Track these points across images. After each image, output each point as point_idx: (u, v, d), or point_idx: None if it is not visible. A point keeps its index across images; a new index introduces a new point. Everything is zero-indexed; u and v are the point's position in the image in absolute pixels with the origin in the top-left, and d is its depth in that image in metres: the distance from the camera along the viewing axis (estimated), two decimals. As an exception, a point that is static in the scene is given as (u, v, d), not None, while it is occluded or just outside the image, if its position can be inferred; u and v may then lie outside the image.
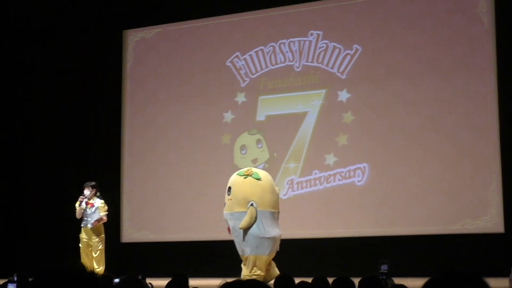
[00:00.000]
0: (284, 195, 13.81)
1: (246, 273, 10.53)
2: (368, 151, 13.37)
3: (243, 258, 10.64)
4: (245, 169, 10.95)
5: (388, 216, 13.07)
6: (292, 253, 13.40)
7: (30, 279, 8.95)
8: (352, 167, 13.45)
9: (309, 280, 6.71)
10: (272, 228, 10.58)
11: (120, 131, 15.53)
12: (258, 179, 10.70)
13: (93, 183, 12.61)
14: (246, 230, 10.40)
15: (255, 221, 10.45)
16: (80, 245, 12.54)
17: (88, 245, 12.50)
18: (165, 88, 15.25)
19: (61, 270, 2.29)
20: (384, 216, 13.09)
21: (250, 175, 10.70)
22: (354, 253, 13.12)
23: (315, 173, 13.71)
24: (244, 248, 10.51)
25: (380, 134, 13.31)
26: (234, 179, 10.81)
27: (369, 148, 13.37)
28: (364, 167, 13.38)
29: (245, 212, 10.45)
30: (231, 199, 10.67)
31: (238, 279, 2.47)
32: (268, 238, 10.49)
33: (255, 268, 10.53)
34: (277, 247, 10.72)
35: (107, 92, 15.76)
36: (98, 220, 12.43)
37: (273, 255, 10.66)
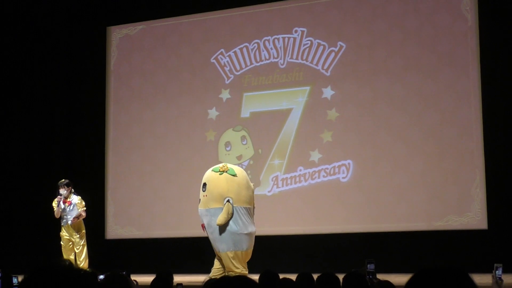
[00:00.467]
0: (269, 191, 13.85)
1: (228, 269, 10.51)
2: (352, 148, 13.41)
3: (221, 255, 10.60)
4: (220, 165, 10.88)
5: (373, 212, 13.11)
6: (277, 250, 13.45)
7: (17, 276, 8.94)
8: (336, 164, 13.49)
9: (294, 276, 6.73)
10: (249, 223, 10.59)
11: (104, 128, 15.48)
12: (234, 175, 10.67)
13: (67, 181, 12.59)
14: (222, 226, 10.38)
15: (231, 217, 10.43)
16: (61, 242, 12.53)
17: (69, 241, 12.50)
18: (149, 85, 15.23)
19: (52, 267, 2.29)
20: (369, 212, 13.13)
21: (226, 171, 10.67)
22: (339, 249, 13.16)
23: (300, 170, 13.73)
24: (220, 245, 10.47)
25: (364, 131, 13.35)
26: (209, 175, 10.76)
27: (353, 145, 13.41)
28: (348, 163, 13.42)
29: (221, 209, 10.42)
30: (206, 196, 10.63)
31: (225, 275, 2.48)
32: (246, 234, 10.49)
33: (234, 263, 10.51)
34: (253, 242, 10.71)
35: (91, 89, 15.71)
36: (77, 217, 12.43)
37: (250, 251, 10.64)
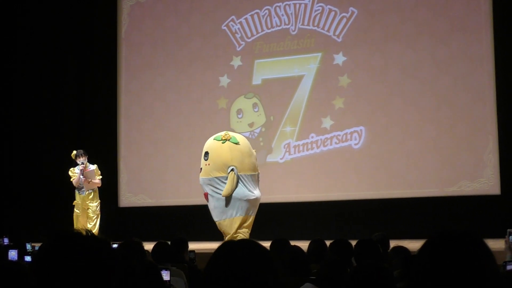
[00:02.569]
0: (281, 158, 13.85)
1: (231, 233, 10.54)
2: (364, 114, 13.36)
3: (225, 222, 10.62)
4: (222, 133, 10.89)
5: (385, 179, 13.08)
6: (289, 217, 13.47)
7: (30, 243, 8.97)
8: (348, 131, 13.44)
9: (306, 243, 6.73)
10: (254, 190, 10.64)
11: (116, 96, 15.47)
12: (237, 143, 10.68)
13: (83, 150, 12.65)
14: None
15: (237, 186, 10.47)
16: (76, 210, 12.58)
17: (85, 210, 12.57)
18: (160, 53, 15.18)
19: (71, 234, 2.31)
20: (381, 179, 13.10)
21: (228, 140, 10.69)
22: (351, 216, 13.15)
23: (312, 137, 13.70)
24: (228, 211, 10.52)
25: (376, 97, 13.28)
26: (212, 144, 10.78)
27: (365, 111, 13.35)
28: (360, 130, 13.37)
29: (225, 177, 10.45)
30: (208, 164, 10.65)
31: (230, 240, 2.46)
32: (253, 199, 10.54)
33: (243, 229, 10.56)
34: (257, 208, 10.80)
35: (103, 57, 15.67)
36: (96, 184, 12.52)
37: (254, 216, 10.75)
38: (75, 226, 12.23)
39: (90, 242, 2.27)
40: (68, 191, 12.86)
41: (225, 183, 10.50)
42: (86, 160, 12.59)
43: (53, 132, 15.64)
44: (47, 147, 15.54)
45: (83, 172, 12.47)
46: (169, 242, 7.26)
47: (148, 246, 6.67)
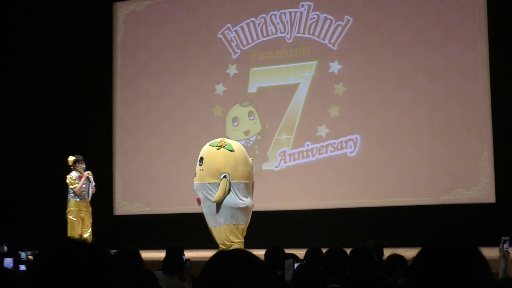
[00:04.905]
0: (277, 166, 13.86)
1: (224, 242, 10.52)
2: (360, 122, 13.37)
3: (215, 230, 10.63)
4: (218, 140, 10.90)
5: (380, 187, 13.09)
6: (284, 225, 13.46)
7: (24, 251, 8.94)
8: (344, 139, 13.45)
9: (302, 251, 6.73)
10: (246, 198, 10.61)
11: (111, 104, 15.46)
12: (231, 150, 10.68)
13: (82, 156, 12.70)
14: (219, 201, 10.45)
15: (228, 193, 10.47)
16: (72, 218, 12.50)
17: (82, 218, 12.55)
18: (156, 60, 15.18)
19: (68, 241, 2.28)
20: (376, 187, 13.11)
21: (223, 146, 10.70)
22: (346, 224, 13.14)
23: (307, 145, 13.71)
24: (218, 219, 10.53)
25: (372, 105, 13.30)
26: (207, 150, 10.80)
27: (361, 119, 13.36)
28: (356, 138, 13.38)
29: (217, 184, 10.46)
30: (202, 170, 10.68)
31: (222, 249, 2.47)
32: (242, 208, 10.52)
33: (232, 236, 10.54)
34: (249, 217, 10.76)
35: (98, 65, 15.65)
36: (92, 191, 12.58)
37: (246, 225, 10.70)
38: (69, 235, 12.16)
39: (91, 251, 2.25)
40: (61, 200, 12.81)
41: (217, 189, 10.51)
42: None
43: (48, 139, 15.59)
44: (42, 155, 15.49)
45: (90, 179, 12.53)
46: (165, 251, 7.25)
47: (144, 254, 6.67)
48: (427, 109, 12.87)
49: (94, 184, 12.68)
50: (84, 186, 12.51)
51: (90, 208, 12.69)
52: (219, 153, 10.62)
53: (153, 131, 15.00)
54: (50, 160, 15.00)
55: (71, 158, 12.63)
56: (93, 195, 12.71)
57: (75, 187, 12.45)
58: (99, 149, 15.26)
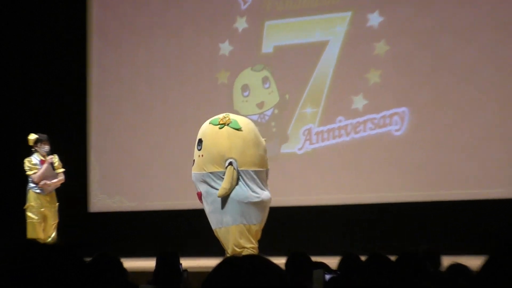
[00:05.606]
0: (300, 149, 13.88)
1: (233, 248, 10.48)
2: (407, 92, 13.37)
3: (221, 232, 10.55)
4: (221, 116, 10.75)
5: (435, 175, 13.06)
6: (310, 225, 13.49)
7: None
8: (387, 112, 13.44)
9: (335, 259, 6.70)
10: (260, 190, 10.49)
11: (85, 70, 15.46)
12: (238, 129, 10.57)
13: (47, 135, 12.65)
14: (225, 195, 10.35)
15: (236, 184, 10.36)
16: (32, 216, 12.46)
17: (44, 216, 12.50)
18: (143, 14, 15.18)
19: (32, 244, 2.28)
20: (430, 175, 13.08)
21: (227, 124, 10.57)
22: (390, 223, 13.16)
23: (340, 121, 13.71)
24: (224, 218, 10.44)
25: (422, 69, 13.25)
26: (207, 129, 10.67)
27: (409, 88, 13.35)
28: (403, 112, 13.36)
29: (222, 173, 10.37)
30: (202, 156, 10.56)
31: (233, 255, 2.46)
32: (255, 202, 10.42)
33: (242, 240, 10.47)
34: (266, 214, 10.64)
35: (69, 19, 15.63)
36: (60, 181, 12.53)
37: (262, 225, 10.58)
38: (29, 237, 12.16)
39: (59, 256, 2.23)
40: (20, 190, 12.80)
41: (222, 180, 10.45)
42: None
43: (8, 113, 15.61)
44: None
45: (53, 164, 12.48)
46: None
47: (128, 263, 6.65)
48: (496, 74, 12.83)
49: (59, 171, 12.62)
50: (47, 174, 12.46)
51: (57, 203, 12.65)
52: (222, 133, 10.53)
53: (140, 104, 15.02)
54: (7, 138, 15.02)
55: (32, 137, 12.61)
56: (60, 186, 12.70)
57: (34, 174, 12.43)
58: (71, 126, 15.28)
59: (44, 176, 12.46)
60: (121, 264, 5.85)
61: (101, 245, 13.10)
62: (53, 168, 12.51)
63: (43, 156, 12.54)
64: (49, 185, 12.47)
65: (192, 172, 10.71)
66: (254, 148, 10.53)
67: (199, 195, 10.64)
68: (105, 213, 15.19)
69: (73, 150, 14.66)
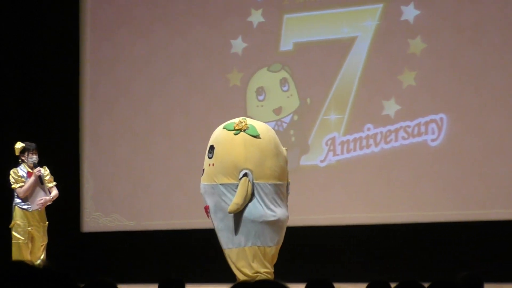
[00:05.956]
0: (322, 161, 13.87)
1: (245, 272, 10.43)
2: (446, 96, 13.34)
3: (232, 253, 10.50)
4: (236, 120, 10.73)
5: (478, 191, 13.02)
6: (334, 247, 13.45)
7: None
8: (423, 120, 13.42)
9: (360, 286, 6.66)
10: (278, 207, 10.44)
11: (78, 67, 15.50)
12: (256, 136, 10.53)
13: (35, 144, 12.60)
14: (238, 212, 10.29)
15: (251, 199, 10.32)
16: (18, 237, 12.45)
17: (31, 236, 12.45)
18: (144, 5, 15.18)
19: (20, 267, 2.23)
20: (472, 191, 13.04)
21: (244, 130, 10.54)
22: (423, 245, 13.16)
23: (368, 129, 13.70)
24: (235, 238, 10.40)
25: (464, 71, 13.22)
26: (220, 135, 10.63)
27: (448, 91, 13.32)
28: (441, 119, 13.34)
29: (235, 185, 10.33)
30: (213, 165, 10.53)
31: (240, 282, 2.42)
32: (271, 222, 10.37)
33: (256, 263, 10.42)
34: (283, 235, 10.58)
35: (61, 11, 15.66)
36: (55, 196, 12.51)
37: (278, 247, 10.53)
38: (14, 259, 12.13)
39: (50, 281, 2.17)
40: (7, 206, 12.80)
41: (234, 193, 10.42)
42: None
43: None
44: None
45: (42, 177, 12.43)
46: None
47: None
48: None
49: (51, 185, 12.60)
50: (34, 188, 12.44)
51: (46, 222, 12.62)
52: (237, 140, 10.50)
53: (140, 109, 15.04)
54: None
55: (18, 146, 12.57)
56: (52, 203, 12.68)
57: (20, 187, 12.39)
58: (61, 133, 15.29)
59: (32, 191, 12.42)
60: (117, 289, 5.81)
61: (96, 269, 13.16)
62: (42, 182, 12.45)
63: (30, 168, 12.49)
64: (44, 203, 12.43)
65: (201, 183, 10.66)
66: (274, 159, 10.47)
67: (206, 209, 10.61)
68: (100, 233, 15.22)
69: (64, 160, 14.68)
